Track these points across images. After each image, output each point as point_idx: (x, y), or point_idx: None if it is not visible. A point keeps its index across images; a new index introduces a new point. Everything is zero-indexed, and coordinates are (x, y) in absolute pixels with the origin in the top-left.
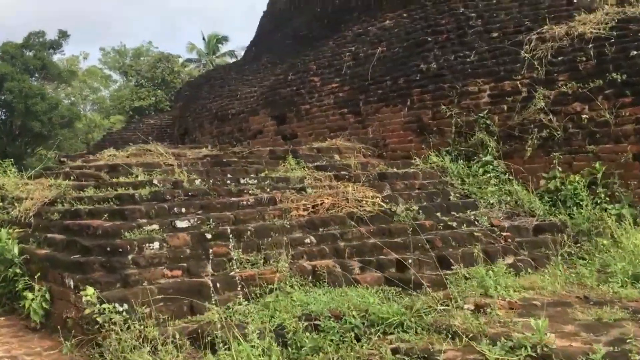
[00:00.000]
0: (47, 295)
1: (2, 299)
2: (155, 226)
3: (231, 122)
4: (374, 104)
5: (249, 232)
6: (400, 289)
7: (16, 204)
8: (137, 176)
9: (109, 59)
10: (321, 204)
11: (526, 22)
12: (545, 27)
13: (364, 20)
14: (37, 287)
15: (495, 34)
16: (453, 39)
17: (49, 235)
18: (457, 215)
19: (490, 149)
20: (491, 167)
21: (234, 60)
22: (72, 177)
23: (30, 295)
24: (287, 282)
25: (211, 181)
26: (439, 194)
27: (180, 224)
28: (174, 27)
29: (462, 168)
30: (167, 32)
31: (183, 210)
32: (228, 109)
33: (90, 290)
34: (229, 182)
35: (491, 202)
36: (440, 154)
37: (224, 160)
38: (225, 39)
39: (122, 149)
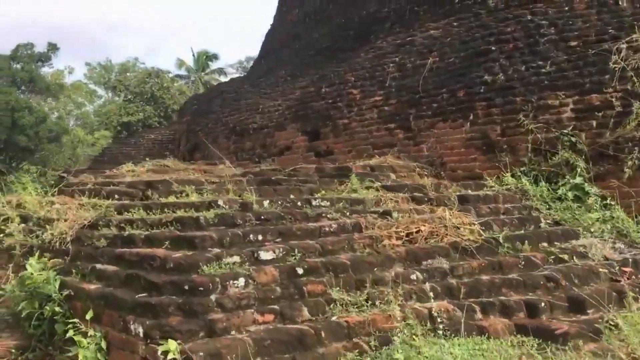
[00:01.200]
0: (103, 343)
1: (35, 342)
2: (236, 258)
3: (252, 137)
4: (428, 118)
5: (343, 266)
6: (540, 341)
7: (47, 227)
8: (187, 195)
9: (95, 74)
10: (417, 231)
11: (609, 30)
12: (635, 35)
13: (399, 31)
14: (89, 331)
15: (573, 43)
16: (522, 48)
17: (98, 266)
18: (562, 246)
19: (578, 170)
20: (583, 190)
21: (222, 77)
22: (103, 195)
23: (83, 341)
24: (406, 331)
25: (279, 202)
26: (528, 220)
27: (265, 255)
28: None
29: (546, 191)
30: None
31: (260, 237)
32: (248, 123)
33: (172, 344)
34: (299, 203)
35: (591, 230)
36: (514, 175)
37: (272, 178)
38: (215, 56)
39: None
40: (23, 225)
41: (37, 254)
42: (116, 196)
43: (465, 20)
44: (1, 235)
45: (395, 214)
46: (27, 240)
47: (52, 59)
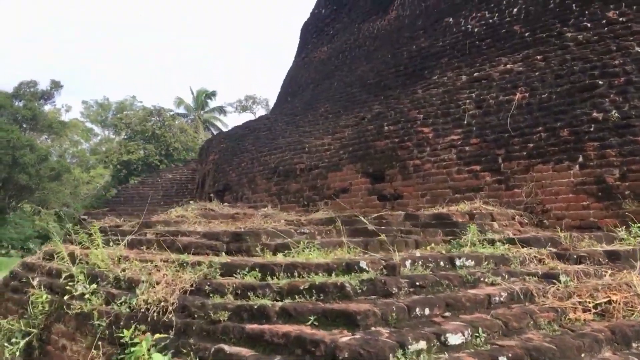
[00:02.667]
0: None
1: None
2: (422, 344)
3: (300, 178)
4: (522, 160)
5: (550, 353)
6: None
7: (138, 290)
8: (298, 250)
9: (92, 112)
10: (607, 302)
11: None
12: None
13: (458, 66)
14: None
15: None
16: (637, 82)
17: (226, 348)
18: None
19: None
20: None
21: (222, 116)
22: (178, 248)
23: None
24: None
25: (420, 262)
26: None
27: (454, 339)
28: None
29: None
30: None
31: (427, 311)
32: (293, 163)
33: None
34: (441, 263)
35: None
36: None
37: (369, 228)
38: (213, 94)
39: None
40: (94, 285)
41: (133, 327)
42: (193, 249)
43: (552, 54)
44: (66, 297)
45: (563, 278)
46: (109, 306)
47: (54, 96)
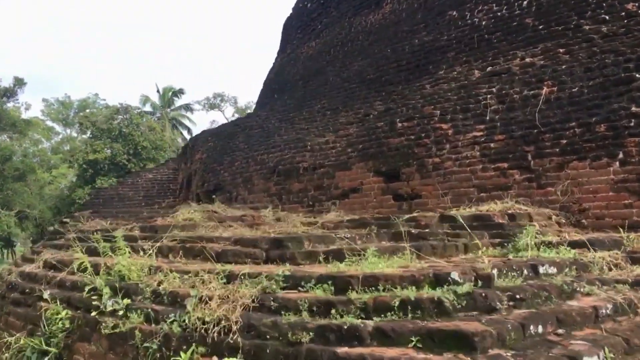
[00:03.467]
0: None
1: None
2: None
3: (303, 177)
4: (555, 157)
5: None
6: None
7: (188, 306)
8: (360, 257)
9: (52, 110)
10: None
11: None
12: None
13: (465, 61)
14: None
15: None
16: None
17: None
18: None
19: None
20: None
21: (189, 114)
22: (211, 257)
23: None
24: None
25: (505, 270)
26: None
27: None
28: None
29: None
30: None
31: (540, 329)
32: (296, 162)
33: None
34: (525, 271)
35: None
36: None
37: (413, 231)
38: (181, 91)
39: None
40: (127, 300)
41: (191, 350)
42: (230, 257)
43: (576, 47)
44: (94, 313)
45: None
46: (153, 325)
47: (18, 94)
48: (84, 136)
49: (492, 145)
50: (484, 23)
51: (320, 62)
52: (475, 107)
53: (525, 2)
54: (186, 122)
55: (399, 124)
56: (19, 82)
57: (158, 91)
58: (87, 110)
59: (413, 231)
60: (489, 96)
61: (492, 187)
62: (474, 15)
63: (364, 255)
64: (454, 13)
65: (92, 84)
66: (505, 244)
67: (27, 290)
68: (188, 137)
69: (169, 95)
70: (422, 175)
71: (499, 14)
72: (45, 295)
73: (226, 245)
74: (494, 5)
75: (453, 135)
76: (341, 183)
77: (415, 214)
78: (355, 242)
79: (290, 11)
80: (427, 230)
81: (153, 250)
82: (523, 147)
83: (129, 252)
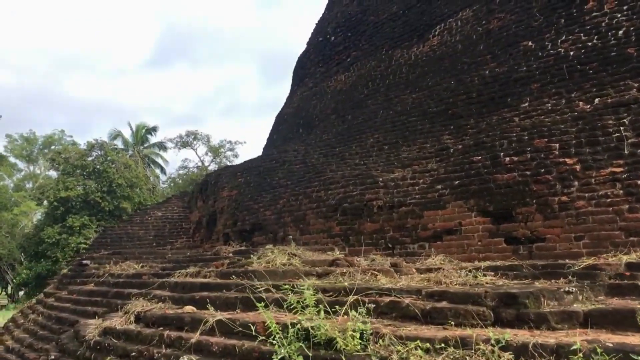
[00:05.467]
0: None
1: None
2: None
3: (377, 217)
4: None
5: None
6: None
7: None
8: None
9: (16, 146)
10: None
11: None
12: None
13: (555, 93)
14: None
15: None
16: None
17: None
18: None
19: None
20: None
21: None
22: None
23: None
24: None
25: None
26: None
27: None
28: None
29: None
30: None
31: None
32: (367, 200)
33: None
34: None
35: None
36: None
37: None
38: (154, 129)
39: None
40: None
41: None
42: (441, 317)
43: None
44: None
45: None
46: None
47: None
48: (47, 173)
49: (639, 182)
50: (572, 53)
51: (356, 96)
52: (605, 140)
53: (621, 32)
54: (159, 160)
55: (506, 159)
56: None
57: (131, 128)
58: (53, 147)
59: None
60: (622, 128)
61: None
62: (557, 46)
63: None
64: (529, 43)
65: (58, 120)
66: None
67: (133, 354)
68: (162, 176)
69: (142, 133)
70: (546, 216)
71: (589, 44)
72: None
73: (417, 300)
74: (582, 35)
75: (582, 171)
76: (431, 223)
77: (593, 261)
78: (571, 295)
79: (305, 46)
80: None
81: (344, 308)
82: None
83: (321, 310)
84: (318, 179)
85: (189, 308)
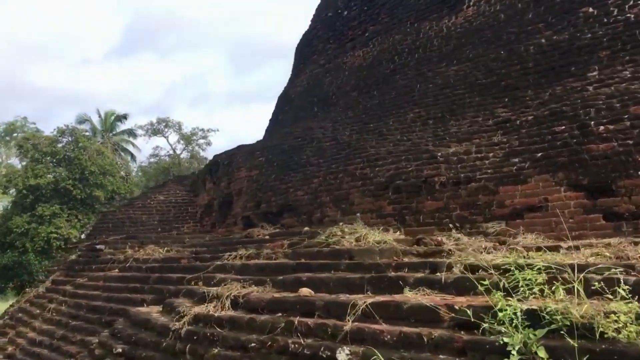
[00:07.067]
0: None
1: None
2: None
3: (440, 194)
4: None
5: None
6: None
7: None
8: None
9: None
10: None
11: None
12: None
13: (631, 60)
14: None
15: None
16: None
17: None
18: None
19: None
20: None
21: (132, 138)
22: None
23: None
24: None
25: None
26: None
27: None
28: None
29: None
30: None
31: None
32: (425, 176)
33: None
34: None
35: None
36: None
37: None
38: (125, 117)
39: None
40: None
41: None
42: None
43: None
44: None
45: None
46: None
47: None
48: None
49: None
50: None
51: (381, 71)
52: None
53: None
54: (130, 147)
55: (600, 127)
56: None
57: (99, 115)
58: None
59: None
60: None
61: None
62: (624, 11)
63: None
64: (590, 9)
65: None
66: None
67: (253, 345)
68: (133, 164)
69: (111, 120)
70: None
71: None
72: (343, 355)
73: None
74: None
75: None
76: (508, 200)
77: None
78: None
79: (310, 23)
80: None
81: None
82: None
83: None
84: (359, 156)
85: (305, 291)
